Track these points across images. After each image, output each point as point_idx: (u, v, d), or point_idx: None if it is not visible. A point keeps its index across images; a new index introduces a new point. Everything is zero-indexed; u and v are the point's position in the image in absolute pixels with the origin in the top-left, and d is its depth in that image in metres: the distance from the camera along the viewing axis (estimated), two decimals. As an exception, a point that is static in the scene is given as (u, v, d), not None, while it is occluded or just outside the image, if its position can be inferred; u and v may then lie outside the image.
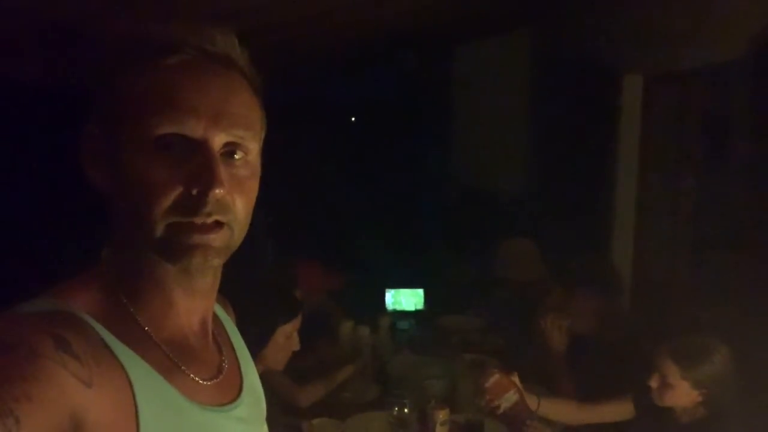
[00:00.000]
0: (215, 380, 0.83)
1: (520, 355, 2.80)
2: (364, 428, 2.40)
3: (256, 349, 1.93)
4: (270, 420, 2.05)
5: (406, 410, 2.27)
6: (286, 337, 2.08)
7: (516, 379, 2.17)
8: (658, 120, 3.44)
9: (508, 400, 2.12)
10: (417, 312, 3.59)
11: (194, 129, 0.71)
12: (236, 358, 0.93)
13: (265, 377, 2.15)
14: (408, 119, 5.35)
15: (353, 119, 6.19)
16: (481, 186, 4.67)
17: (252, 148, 0.78)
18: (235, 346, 0.96)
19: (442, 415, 2.25)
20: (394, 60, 5.09)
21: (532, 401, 2.19)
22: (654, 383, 2.01)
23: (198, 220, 0.72)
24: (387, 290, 3.60)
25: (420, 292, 3.62)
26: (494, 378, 2.13)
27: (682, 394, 1.97)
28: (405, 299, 3.60)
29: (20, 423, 0.57)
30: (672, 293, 3.29)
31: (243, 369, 0.93)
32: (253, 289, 2.00)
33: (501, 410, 2.12)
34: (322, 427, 2.41)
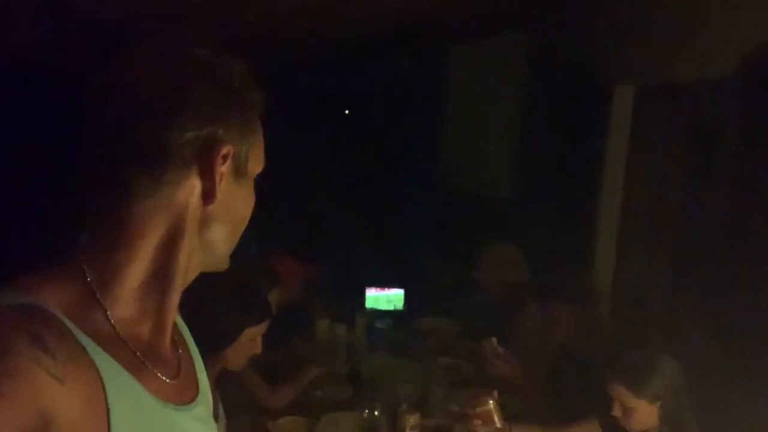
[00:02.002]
0: (176, 379, 0.84)
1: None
2: (334, 429, 2.38)
3: (219, 348, 1.92)
4: (237, 418, 2.03)
5: (376, 413, 2.26)
6: (251, 340, 2.03)
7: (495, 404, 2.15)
8: (647, 131, 3.43)
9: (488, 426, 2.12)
10: (396, 312, 3.56)
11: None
12: (191, 359, 0.94)
13: (238, 378, 2.12)
14: (398, 118, 5.32)
15: (347, 112, 6.16)
16: (468, 188, 4.65)
17: None
18: (189, 346, 0.96)
19: (412, 419, 2.24)
20: (388, 57, 5.07)
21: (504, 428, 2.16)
22: (617, 412, 1.97)
23: None
24: (367, 289, 3.57)
25: (400, 292, 3.59)
26: (487, 408, 2.11)
27: (645, 413, 1.94)
28: (384, 299, 3.57)
29: None
30: (653, 304, 3.28)
31: (196, 368, 0.94)
32: (225, 288, 1.97)
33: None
34: (291, 426, 2.39)
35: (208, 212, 0.79)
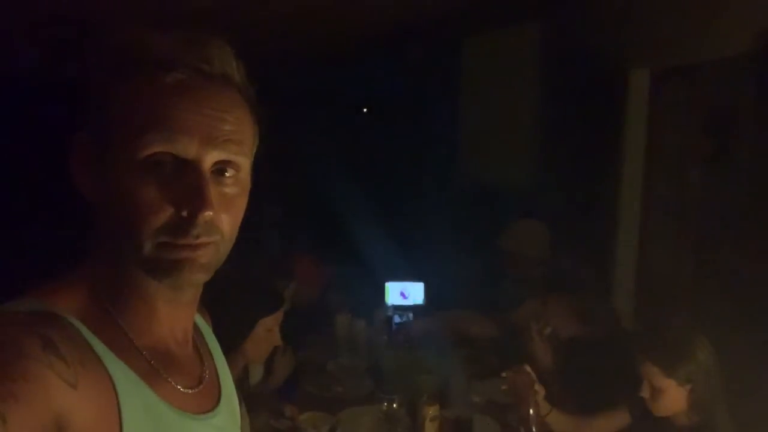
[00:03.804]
0: (196, 389, 0.84)
1: (516, 351, 2.75)
2: (354, 422, 2.39)
3: (237, 343, 1.96)
4: (257, 418, 2.04)
5: (395, 405, 2.26)
6: (267, 331, 2.08)
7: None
8: (664, 114, 3.38)
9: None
10: (416, 306, 3.56)
11: (186, 149, 0.71)
12: (215, 368, 0.94)
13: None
14: (414, 112, 5.31)
15: (365, 110, 6.17)
16: (486, 180, 4.63)
17: (243, 165, 0.78)
18: (214, 355, 0.96)
19: (431, 410, 2.24)
20: (403, 52, 5.06)
21: (544, 407, 2.16)
22: (645, 393, 1.94)
23: (185, 242, 0.72)
24: (387, 284, 3.57)
25: (420, 286, 3.59)
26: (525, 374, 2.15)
27: (673, 395, 1.90)
28: (404, 293, 3.57)
29: (7, 423, 0.58)
30: (676, 290, 3.24)
31: (221, 379, 0.93)
32: (236, 283, 2.02)
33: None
34: (312, 421, 2.40)
35: (104, 208, 0.75)
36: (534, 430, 2.07)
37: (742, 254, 2.74)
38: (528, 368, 2.17)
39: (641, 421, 2.12)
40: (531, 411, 2.09)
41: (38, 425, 0.61)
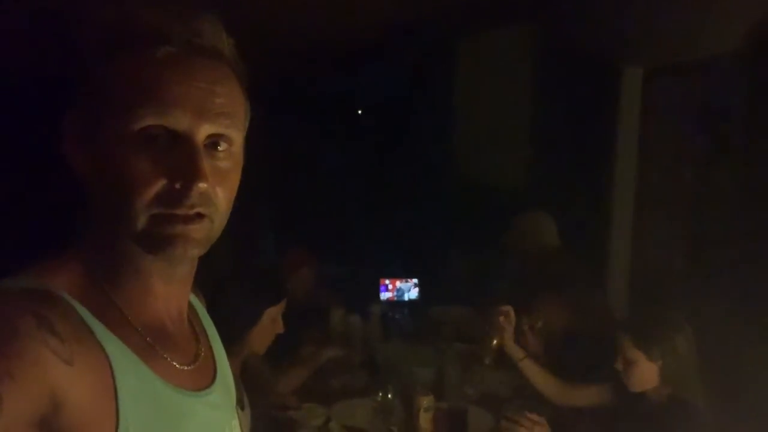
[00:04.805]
0: (191, 366, 0.83)
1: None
2: (349, 414, 2.40)
3: (242, 333, 2.00)
4: (254, 407, 2.07)
5: (389, 395, 2.26)
6: (272, 320, 2.12)
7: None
8: (657, 112, 3.40)
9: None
10: (410, 302, 3.57)
11: (178, 122, 0.71)
12: (210, 346, 0.93)
13: (244, 366, 2.20)
14: (408, 111, 5.32)
15: (359, 112, 6.18)
16: (480, 177, 4.64)
17: (236, 139, 0.77)
18: (209, 334, 0.95)
19: (425, 401, 2.24)
20: (397, 53, 5.07)
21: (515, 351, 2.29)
22: (619, 365, 2.01)
23: (180, 212, 0.71)
24: (381, 279, 3.58)
25: (414, 282, 3.60)
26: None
27: (643, 369, 1.96)
28: (399, 289, 3.58)
29: (3, 401, 0.58)
30: (669, 285, 3.26)
31: (216, 357, 0.93)
32: (242, 275, 2.06)
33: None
34: (308, 413, 2.40)
35: (97, 183, 0.75)
36: (488, 360, 2.25)
37: (735, 250, 2.76)
38: (510, 308, 2.29)
39: (619, 398, 2.18)
40: (495, 341, 2.23)
41: (34, 403, 0.61)
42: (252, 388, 2.06)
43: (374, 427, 2.26)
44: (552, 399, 2.30)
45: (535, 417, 2.02)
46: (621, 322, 2.10)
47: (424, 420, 2.24)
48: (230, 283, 2.06)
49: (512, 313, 2.29)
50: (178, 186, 0.71)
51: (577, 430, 2.29)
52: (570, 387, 2.30)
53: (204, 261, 0.83)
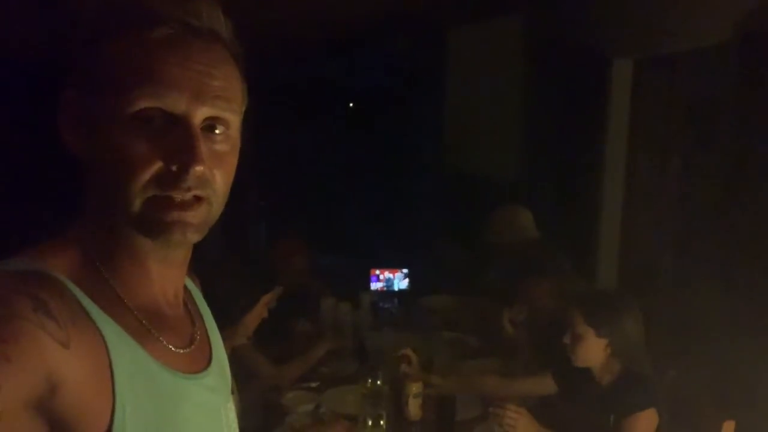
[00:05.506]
0: (187, 349, 0.83)
1: (498, 335, 2.79)
2: (339, 401, 2.41)
3: (238, 318, 2.12)
4: (247, 394, 2.12)
5: (378, 382, 2.28)
6: (264, 305, 2.21)
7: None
8: (647, 104, 3.43)
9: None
10: (401, 291, 3.59)
11: (176, 104, 0.71)
12: (206, 330, 0.94)
13: (242, 357, 2.29)
14: (398, 102, 5.34)
15: (351, 105, 6.19)
16: (470, 168, 4.66)
17: (233, 122, 0.77)
18: (204, 317, 0.96)
19: (414, 387, 2.26)
20: (388, 45, 5.07)
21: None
22: (567, 339, 2.06)
23: (177, 195, 0.71)
24: (372, 270, 3.60)
25: (405, 271, 3.62)
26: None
27: (591, 346, 2.00)
28: (390, 278, 3.60)
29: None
30: (657, 276, 3.29)
31: (212, 340, 0.93)
32: (234, 263, 2.14)
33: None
34: (298, 400, 2.42)
35: (94, 165, 0.75)
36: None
37: (723, 241, 2.79)
38: (409, 351, 2.41)
39: (565, 385, 2.24)
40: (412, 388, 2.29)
41: (31, 385, 0.61)
42: (243, 374, 2.11)
43: (364, 412, 2.28)
44: (497, 393, 2.32)
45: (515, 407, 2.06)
46: (574, 297, 2.13)
47: (413, 406, 2.27)
48: (223, 269, 2.14)
49: (413, 356, 2.39)
50: (174, 168, 0.70)
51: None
52: (511, 381, 2.40)
53: (195, 246, 0.83)
